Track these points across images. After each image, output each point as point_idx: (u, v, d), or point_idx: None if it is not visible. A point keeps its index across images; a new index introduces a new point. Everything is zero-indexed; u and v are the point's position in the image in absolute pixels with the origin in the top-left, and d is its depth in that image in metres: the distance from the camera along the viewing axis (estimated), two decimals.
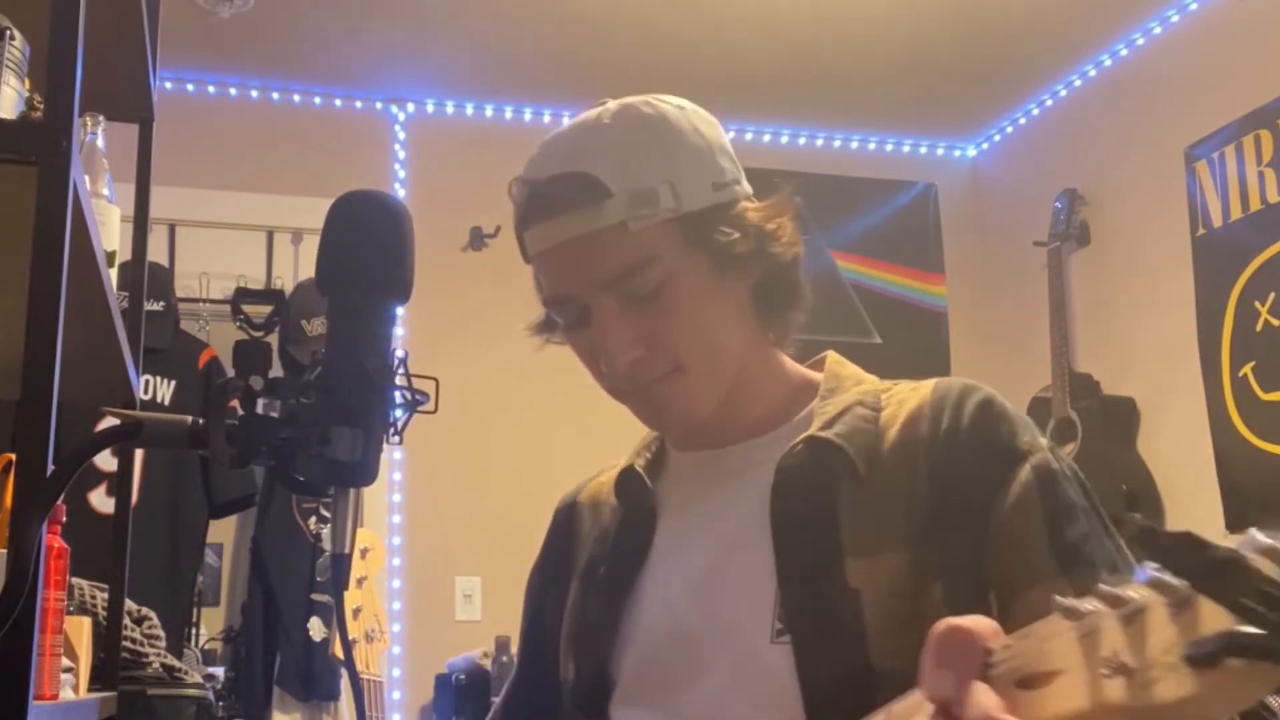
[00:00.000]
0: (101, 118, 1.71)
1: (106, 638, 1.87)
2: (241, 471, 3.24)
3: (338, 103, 3.95)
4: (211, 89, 3.85)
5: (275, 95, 3.90)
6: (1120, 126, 3.75)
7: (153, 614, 2.14)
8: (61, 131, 1.06)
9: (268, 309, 3.68)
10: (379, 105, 3.98)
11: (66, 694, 1.43)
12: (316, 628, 3.40)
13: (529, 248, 1.06)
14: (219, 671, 3.36)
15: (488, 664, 3.42)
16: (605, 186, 1.00)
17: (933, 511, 0.98)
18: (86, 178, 1.37)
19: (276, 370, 3.59)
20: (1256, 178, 3.16)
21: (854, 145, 4.40)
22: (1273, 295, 3.09)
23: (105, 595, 1.91)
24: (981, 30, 3.60)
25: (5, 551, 1.11)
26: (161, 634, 2.16)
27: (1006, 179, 4.35)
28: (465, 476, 3.80)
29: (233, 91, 3.87)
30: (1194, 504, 3.34)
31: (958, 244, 4.41)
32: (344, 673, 3.35)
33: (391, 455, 3.67)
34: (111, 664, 1.87)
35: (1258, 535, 0.46)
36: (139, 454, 2.94)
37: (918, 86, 3.98)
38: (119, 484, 2.04)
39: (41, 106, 1.11)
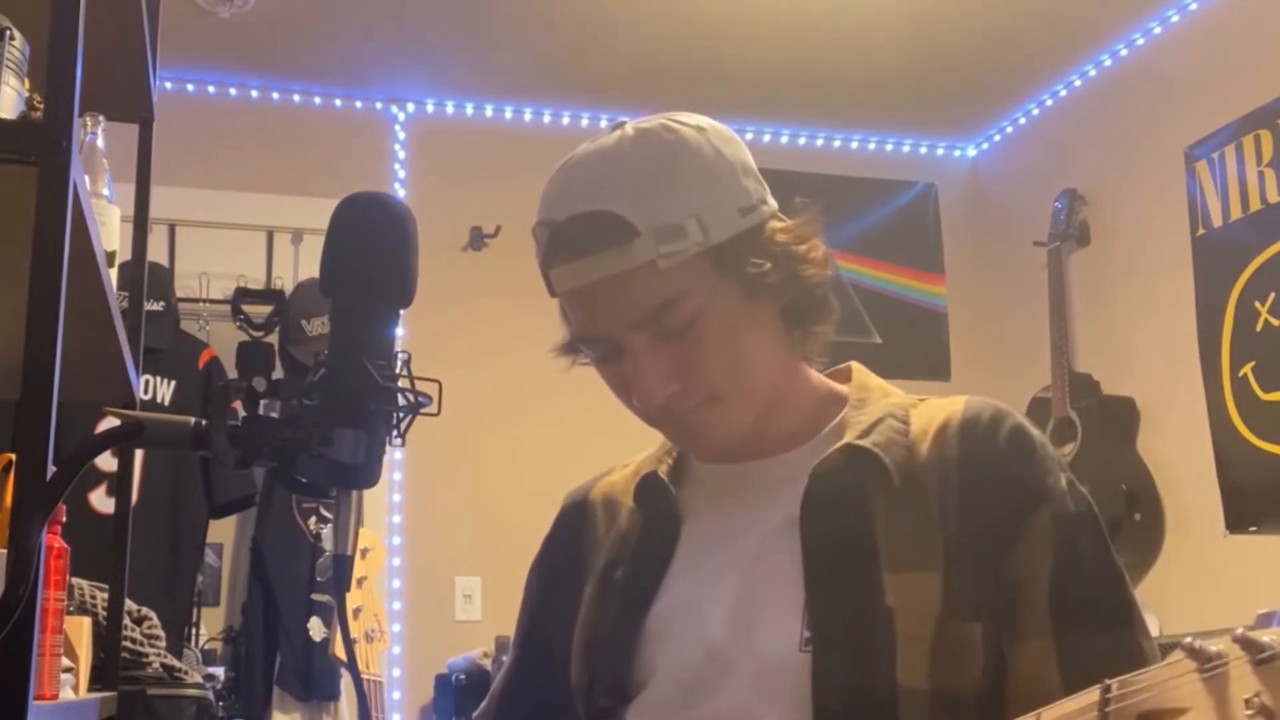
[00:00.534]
0: (101, 118, 1.71)
1: (106, 638, 1.87)
2: (242, 472, 3.24)
3: (338, 103, 3.95)
4: (211, 89, 3.85)
5: (275, 95, 3.90)
6: (1120, 126, 3.75)
7: (153, 614, 2.14)
8: (61, 131, 1.06)
9: (268, 309, 3.68)
10: (379, 105, 3.98)
11: (66, 694, 1.43)
12: (316, 628, 3.40)
13: (555, 286, 1.03)
14: (219, 671, 3.36)
15: (488, 664, 3.42)
16: (631, 226, 0.98)
17: (960, 537, 0.98)
18: (86, 178, 1.37)
19: (277, 371, 3.59)
20: (1256, 178, 3.16)
21: (854, 145, 4.40)
22: (1273, 295, 3.08)
23: (105, 595, 1.91)
24: (981, 31, 3.60)
25: (5, 552, 1.11)
26: (161, 634, 2.16)
27: (1006, 179, 4.35)
28: (465, 476, 3.80)
29: (233, 91, 3.87)
30: (1194, 504, 3.34)
31: (958, 244, 4.41)
32: (344, 673, 3.35)
33: (392, 455, 3.66)
34: (111, 664, 1.87)
35: None
36: (139, 454, 2.94)
37: (918, 86, 3.98)
38: (119, 484, 2.04)
39: (41, 106, 1.11)
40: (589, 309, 1.02)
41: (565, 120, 4.07)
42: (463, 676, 3.36)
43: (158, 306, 3.32)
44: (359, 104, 3.96)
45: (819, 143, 4.35)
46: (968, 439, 1.02)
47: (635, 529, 1.13)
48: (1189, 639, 0.57)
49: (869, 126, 4.32)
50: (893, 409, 1.07)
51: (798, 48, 3.69)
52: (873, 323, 4.22)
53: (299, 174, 3.80)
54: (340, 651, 2.66)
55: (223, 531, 3.97)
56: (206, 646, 3.74)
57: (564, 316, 1.07)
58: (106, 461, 2.79)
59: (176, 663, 2.18)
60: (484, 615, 3.73)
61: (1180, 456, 3.40)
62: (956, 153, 4.50)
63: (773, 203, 1.07)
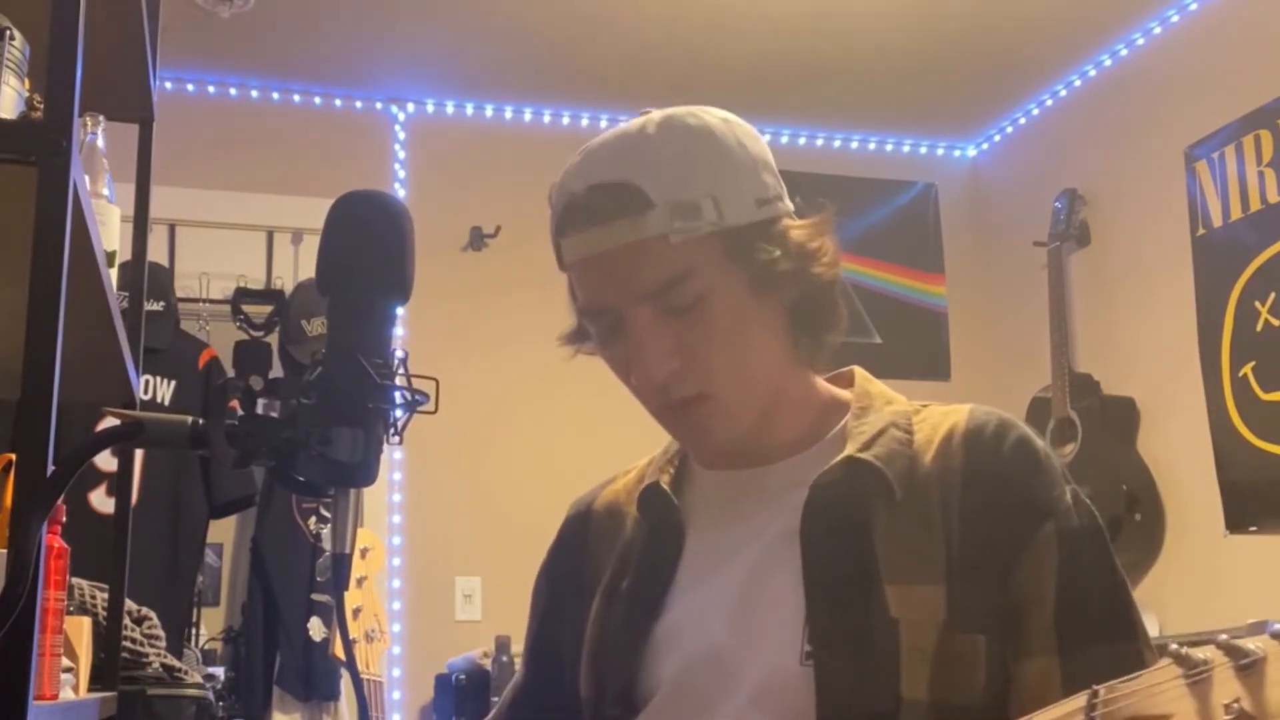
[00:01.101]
0: (101, 118, 1.71)
1: (106, 638, 1.87)
2: (241, 472, 3.24)
3: (338, 103, 3.95)
4: (211, 89, 3.85)
5: (275, 95, 3.90)
6: (1120, 126, 3.75)
7: (153, 614, 2.14)
8: (61, 131, 1.06)
9: (268, 309, 3.68)
10: (379, 105, 3.98)
11: (66, 694, 1.43)
12: (316, 628, 3.40)
13: (565, 255, 1.04)
14: (219, 671, 3.36)
15: (488, 664, 3.42)
16: (648, 197, 0.98)
17: (964, 549, 0.98)
18: (86, 178, 1.37)
19: (276, 370, 3.59)
20: (1256, 178, 3.16)
21: (854, 145, 4.40)
22: (1273, 295, 3.09)
23: (105, 595, 1.91)
24: (982, 30, 3.60)
25: (5, 551, 1.11)
26: (161, 634, 2.16)
27: (1006, 179, 4.35)
28: (465, 476, 3.80)
29: (233, 91, 3.87)
30: (1194, 504, 3.34)
31: (958, 244, 4.41)
32: (344, 673, 3.35)
33: (391, 455, 3.67)
34: (111, 664, 1.87)
35: None
36: (139, 454, 2.94)
37: (918, 86, 3.98)
38: (119, 484, 2.04)
39: (41, 106, 1.11)
40: (597, 279, 1.03)
41: (565, 120, 4.07)
42: (463, 676, 3.36)
43: (158, 306, 3.33)
44: (359, 104, 3.96)
45: (819, 143, 4.35)
46: (972, 450, 1.02)
47: (640, 539, 1.13)
48: (1174, 645, 0.57)
49: (869, 126, 4.32)
50: (895, 418, 1.06)
51: (798, 48, 3.70)
52: (873, 323, 4.22)
53: (299, 174, 3.80)
54: (340, 651, 2.66)
55: (223, 531, 3.97)
56: (206, 646, 3.74)
57: (571, 293, 1.07)
58: (106, 461, 2.79)
59: (176, 663, 2.18)
60: (484, 615, 3.73)
61: (1180, 456, 3.40)
62: (956, 153, 4.50)
63: (789, 203, 1.07)
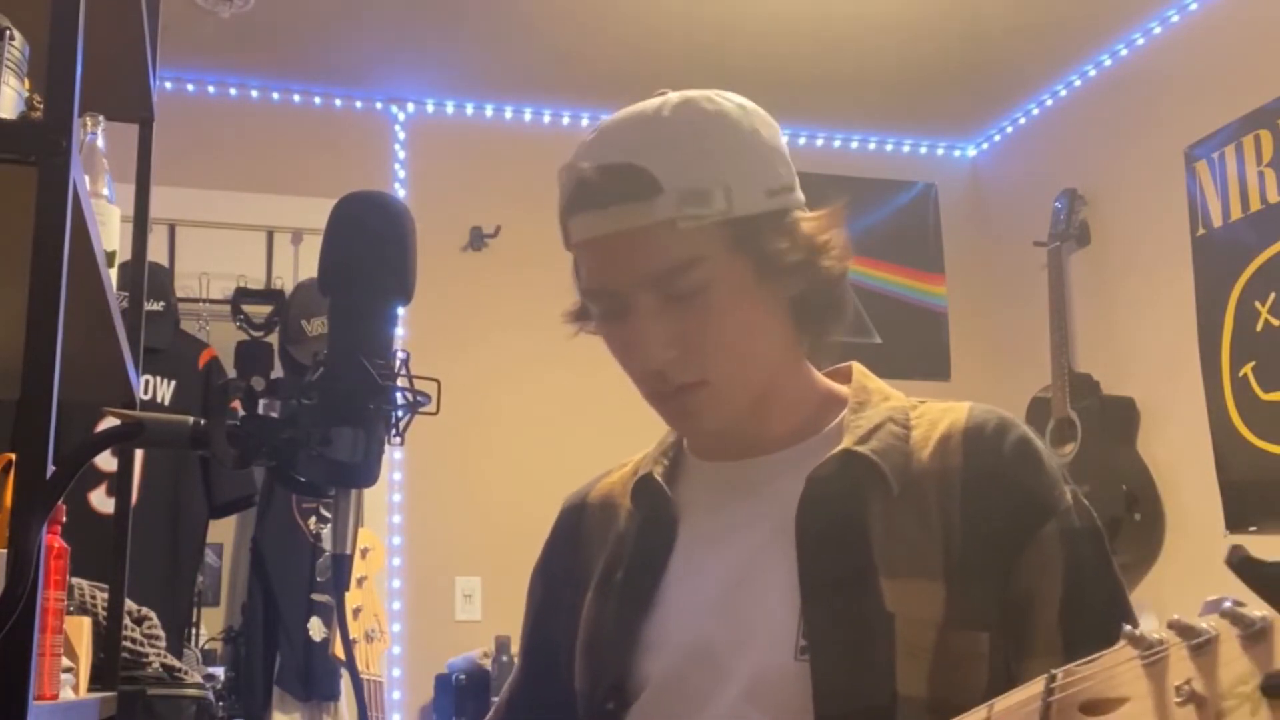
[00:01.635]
0: (101, 118, 1.71)
1: (106, 638, 1.87)
2: (241, 472, 3.24)
3: (338, 103, 3.95)
4: (211, 89, 3.85)
5: (275, 95, 3.90)
6: (1120, 126, 3.75)
7: (153, 614, 2.14)
8: (61, 131, 1.06)
9: (268, 309, 3.68)
10: (379, 105, 3.98)
11: (66, 694, 1.43)
12: (316, 628, 3.40)
13: (572, 235, 1.03)
14: (219, 671, 3.36)
15: (488, 664, 3.42)
16: (657, 182, 0.98)
17: (965, 549, 0.98)
18: (86, 178, 1.37)
19: (277, 371, 3.59)
20: (1256, 178, 3.16)
21: (854, 145, 4.40)
22: (1273, 295, 3.09)
23: (105, 595, 1.91)
24: (981, 30, 3.60)
25: (5, 551, 1.11)
26: (161, 634, 2.16)
27: (1006, 179, 4.35)
28: (465, 476, 3.80)
29: (233, 91, 3.87)
30: (1194, 504, 3.34)
31: (958, 244, 4.41)
32: (344, 673, 3.35)
33: (391, 455, 3.67)
34: (111, 664, 1.87)
35: None
36: (139, 454, 2.94)
37: (918, 86, 3.98)
38: (119, 484, 2.04)
39: (41, 106, 1.11)
40: (603, 261, 1.02)
41: (565, 120, 4.07)
42: (463, 676, 3.36)
43: (158, 306, 3.33)
44: (359, 104, 3.96)
45: (819, 143, 4.35)
46: (972, 448, 1.02)
47: (633, 530, 1.12)
48: (1128, 627, 0.57)
49: (869, 126, 4.33)
50: (892, 413, 1.06)
51: (798, 48, 3.69)
52: (873, 323, 4.20)
53: (299, 174, 3.80)
54: (340, 651, 2.66)
55: (223, 531, 3.97)
56: (206, 646, 3.74)
57: (575, 272, 1.07)
58: (106, 461, 2.79)
59: (176, 663, 2.18)
60: (484, 615, 3.73)
61: (1180, 456, 3.40)
62: (956, 153, 4.50)
63: (800, 195, 1.06)
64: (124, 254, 1.93)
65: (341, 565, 0.83)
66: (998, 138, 4.37)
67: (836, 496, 1.01)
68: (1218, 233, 3.28)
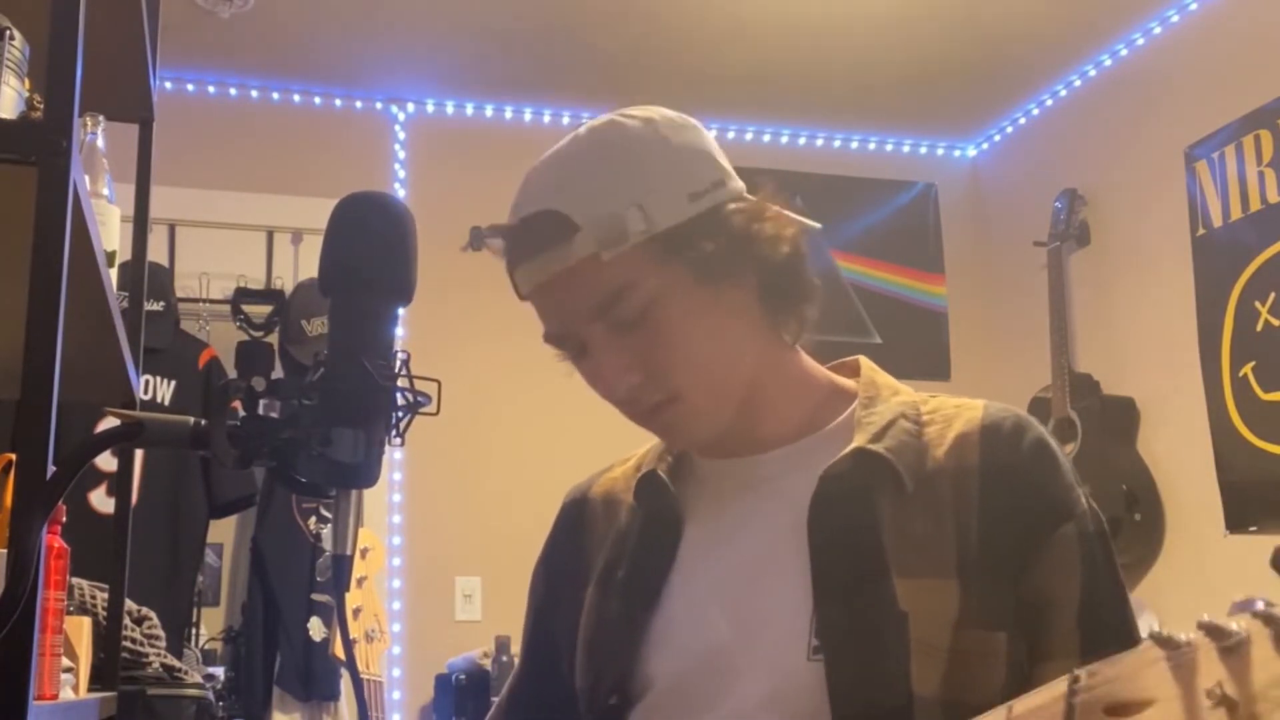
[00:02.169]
0: (101, 118, 1.71)
1: (106, 638, 1.87)
2: (241, 472, 3.24)
3: (338, 103, 3.95)
4: (211, 89, 3.85)
5: (275, 95, 3.90)
6: (1120, 126, 3.75)
7: (153, 614, 2.14)
8: (61, 131, 1.06)
9: (268, 309, 3.68)
10: (379, 105, 3.98)
11: (66, 694, 1.43)
12: (316, 628, 3.40)
13: (519, 288, 1.05)
14: (219, 671, 3.36)
15: (488, 664, 3.42)
16: (572, 221, 0.98)
17: (981, 548, 0.97)
18: (86, 178, 1.37)
19: (277, 371, 3.59)
20: (1256, 178, 3.16)
21: (854, 145, 4.40)
22: (1273, 295, 3.09)
23: (105, 595, 1.91)
24: (981, 30, 3.60)
25: (5, 551, 1.11)
26: (161, 634, 2.16)
27: (1006, 179, 4.35)
28: (465, 476, 3.80)
29: (233, 91, 3.87)
30: (1194, 504, 3.34)
31: (958, 244, 4.41)
32: (344, 673, 3.34)
33: (391, 455, 3.67)
34: (111, 664, 1.87)
35: None
36: (139, 454, 2.94)
37: (918, 86, 3.98)
38: (119, 484, 2.04)
39: (41, 106, 1.11)
40: (548, 307, 1.04)
41: (565, 120, 4.07)
42: (463, 676, 3.36)
43: (158, 306, 3.33)
44: (359, 104, 3.96)
45: (819, 143, 4.35)
46: (989, 448, 1.01)
47: (636, 527, 1.12)
48: (1155, 627, 0.56)
49: (869, 126, 4.32)
50: (904, 408, 1.06)
51: (798, 48, 3.69)
52: (873, 323, 4.22)
53: (299, 174, 3.80)
54: (340, 651, 2.66)
55: (223, 531, 3.97)
56: (206, 646, 3.74)
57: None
58: (106, 461, 2.79)
59: (176, 663, 2.18)
60: (484, 615, 3.73)
61: (1180, 456, 3.40)
62: (956, 153, 4.50)
63: (735, 185, 1.05)
64: (124, 254, 1.93)
65: (341, 565, 0.83)
66: (998, 138, 4.37)
67: (850, 495, 1.00)
68: (1218, 233, 3.28)
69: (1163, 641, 0.55)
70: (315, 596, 3.43)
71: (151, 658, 2.08)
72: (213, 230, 3.76)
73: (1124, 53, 3.75)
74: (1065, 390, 3.65)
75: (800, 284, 1.07)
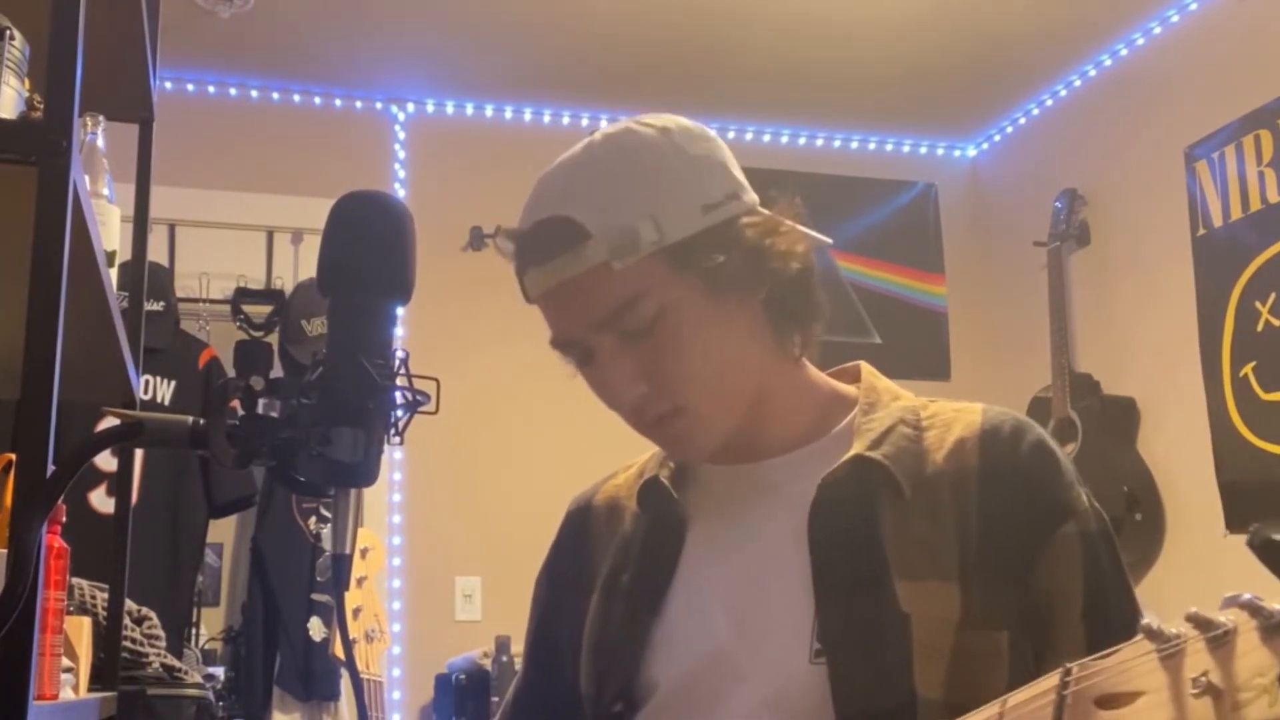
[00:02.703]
0: (101, 118, 1.71)
1: (106, 638, 1.87)
2: (241, 472, 3.24)
3: (338, 103, 3.95)
4: (211, 89, 3.85)
5: (275, 95, 3.90)
6: (1120, 126, 3.75)
7: (153, 614, 2.14)
8: (61, 131, 1.06)
9: (268, 309, 3.68)
10: (379, 105, 3.98)
11: (66, 694, 1.43)
12: (316, 628, 3.40)
13: (528, 292, 1.05)
14: (219, 671, 3.36)
15: (488, 664, 3.42)
16: (584, 228, 0.98)
17: (982, 549, 0.98)
18: (86, 178, 1.37)
19: (277, 370, 3.59)
20: (1256, 178, 3.16)
21: (854, 145, 4.40)
22: (1273, 295, 3.09)
23: (105, 595, 1.91)
24: (981, 31, 3.60)
25: (5, 551, 1.11)
26: (161, 634, 2.16)
27: (1006, 179, 4.35)
28: (465, 476, 3.80)
29: (233, 91, 3.87)
30: (1194, 504, 3.34)
31: (958, 244, 4.41)
32: (344, 673, 3.34)
33: (391, 455, 3.67)
34: (111, 664, 1.87)
35: None
36: (139, 454, 2.94)
37: (918, 86, 3.98)
38: (119, 484, 2.04)
39: (41, 106, 1.11)
40: (556, 313, 1.04)
41: (565, 120, 4.07)
42: (463, 676, 3.36)
43: (158, 306, 3.33)
44: (359, 104, 3.96)
45: (819, 143, 4.35)
46: (988, 451, 1.02)
47: (640, 533, 1.12)
48: (1145, 620, 0.57)
49: (869, 126, 4.32)
50: (903, 414, 1.06)
51: (797, 48, 3.69)
52: (873, 323, 4.22)
53: (299, 174, 3.80)
54: (340, 651, 2.66)
55: (223, 531, 3.97)
56: (206, 646, 3.74)
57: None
58: (106, 461, 2.79)
59: (176, 663, 2.18)
60: (484, 615, 3.73)
61: (1180, 456, 3.40)
62: (956, 153, 4.50)
63: (750, 198, 1.05)
64: (124, 254, 1.93)
65: (341, 565, 0.83)
66: (998, 138, 4.37)
67: (848, 501, 1.00)
68: (1218, 233, 3.28)
69: (1153, 635, 0.55)
70: (315, 596, 3.43)
71: (151, 658, 2.08)
72: (213, 230, 3.76)
73: (1124, 53, 3.75)
74: (1065, 390, 3.65)
75: (809, 301, 1.07)
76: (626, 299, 0.99)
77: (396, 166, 3.96)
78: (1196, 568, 3.33)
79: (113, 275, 1.63)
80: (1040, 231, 3.90)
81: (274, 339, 3.65)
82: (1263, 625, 0.50)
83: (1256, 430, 3.11)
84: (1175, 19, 3.54)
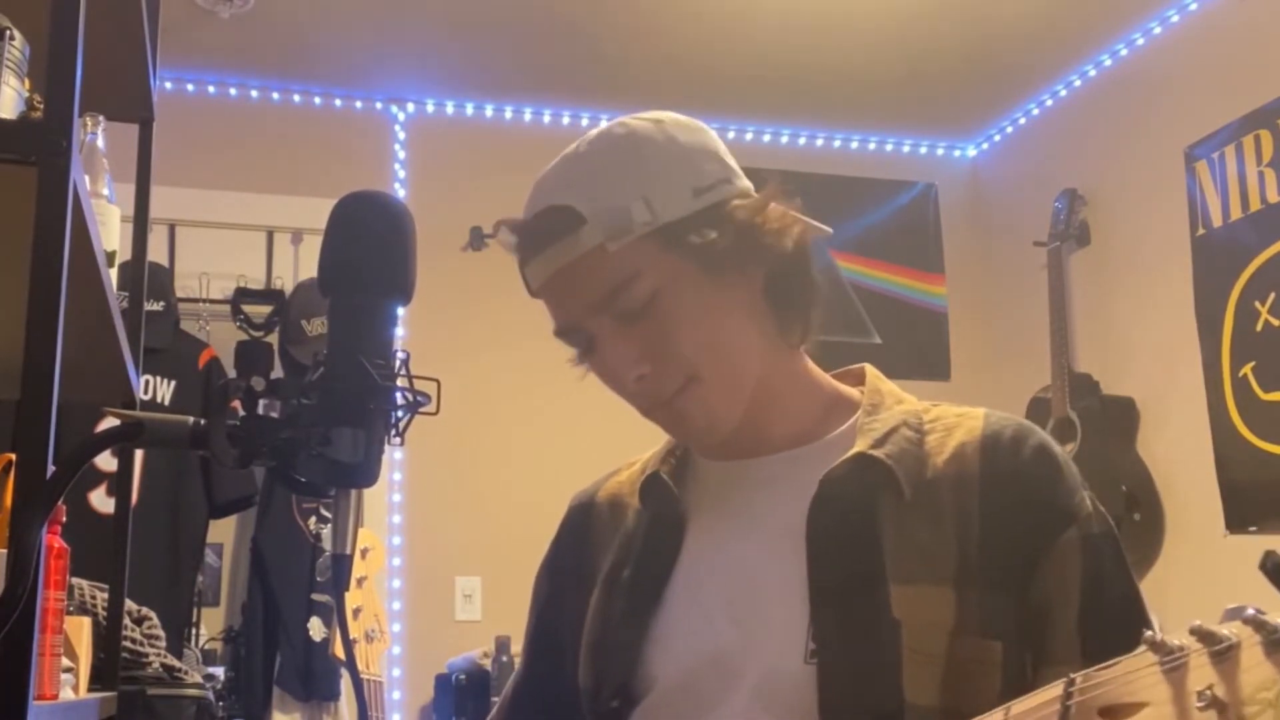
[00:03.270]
0: (101, 118, 1.71)
1: (106, 638, 1.87)
2: (241, 472, 3.24)
3: (338, 103, 3.95)
4: (211, 89, 3.85)
5: (275, 95, 3.90)
6: (1120, 126, 3.75)
7: (153, 614, 2.14)
8: (61, 131, 1.06)
9: (268, 309, 3.68)
10: (379, 105, 3.98)
11: (66, 694, 1.43)
12: (316, 628, 3.40)
13: (530, 284, 1.08)
14: (219, 671, 3.36)
15: (488, 664, 3.42)
16: (579, 213, 1.01)
17: (982, 555, 0.97)
18: (86, 178, 1.37)
19: (277, 371, 3.59)
20: (1256, 178, 3.16)
21: (854, 145, 4.40)
22: (1273, 295, 3.09)
23: (105, 595, 1.91)
24: (982, 30, 3.60)
25: (5, 552, 1.11)
26: (161, 634, 2.16)
27: (1006, 179, 4.35)
28: (465, 476, 3.80)
29: (233, 91, 3.87)
30: (1194, 504, 3.34)
31: (958, 244, 4.41)
32: (344, 673, 3.34)
33: (391, 455, 3.67)
34: (111, 664, 1.87)
35: None
36: (139, 454, 2.94)
37: (918, 86, 3.98)
38: (119, 484, 2.04)
39: (41, 106, 1.11)
40: (556, 301, 1.06)
41: (565, 120, 4.07)
42: (463, 676, 3.36)
43: (158, 306, 3.33)
44: (359, 104, 3.96)
45: (819, 143, 4.35)
46: (990, 456, 1.02)
47: (640, 529, 1.12)
48: (1149, 632, 0.57)
49: (869, 126, 4.32)
50: (906, 417, 1.06)
51: (798, 48, 3.69)
52: (873, 323, 4.22)
53: (299, 174, 3.80)
54: (340, 651, 2.66)
55: (223, 531, 3.97)
56: (206, 646, 3.74)
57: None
58: (106, 461, 2.79)
59: (176, 663, 2.18)
60: (484, 615, 3.73)
61: (1180, 456, 3.40)
62: (956, 153, 4.50)
63: (742, 184, 1.07)
64: (124, 254, 1.93)
65: (341, 565, 0.83)
66: (998, 138, 4.37)
67: (848, 499, 1.01)
68: (1218, 233, 3.28)
69: (1156, 646, 0.55)
70: (315, 596, 3.43)
71: (151, 658, 2.08)
72: (213, 230, 3.77)
73: (1124, 53, 3.75)
74: (1065, 390, 3.65)
75: (805, 282, 1.08)
76: (622, 280, 1.01)
77: (396, 167, 3.96)
78: (1196, 568, 3.33)
79: (113, 275, 1.63)
80: (1040, 231, 3.90)
81: (274, 339, 3.65)
82: (1266, 640, 0.50)
83: (1256, 430, 3.11)
84: (1175, 19, 3.54)
